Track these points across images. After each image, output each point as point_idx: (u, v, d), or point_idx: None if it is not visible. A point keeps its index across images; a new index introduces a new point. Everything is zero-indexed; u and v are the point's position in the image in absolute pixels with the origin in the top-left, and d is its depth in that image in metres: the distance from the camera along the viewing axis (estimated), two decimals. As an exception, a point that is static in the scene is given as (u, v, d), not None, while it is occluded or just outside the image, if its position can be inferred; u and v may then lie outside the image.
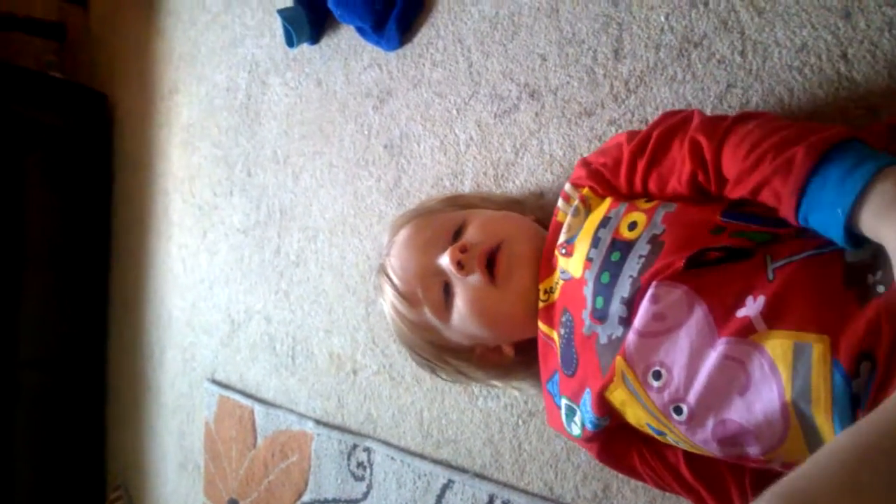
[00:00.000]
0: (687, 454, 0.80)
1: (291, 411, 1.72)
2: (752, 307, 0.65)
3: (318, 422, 1.62)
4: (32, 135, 2.83)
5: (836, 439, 0.47)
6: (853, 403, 0.59)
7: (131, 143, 2.79)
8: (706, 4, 0.91)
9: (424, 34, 1.36)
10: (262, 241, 1.87)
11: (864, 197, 0.58)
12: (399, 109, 1.41)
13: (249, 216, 1.93)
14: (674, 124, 0.78)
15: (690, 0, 0.93)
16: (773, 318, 0.64)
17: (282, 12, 1.61)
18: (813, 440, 0.63)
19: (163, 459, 2.47)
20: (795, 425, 0.63)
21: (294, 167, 1.74)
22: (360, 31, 1.48)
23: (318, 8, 1.59)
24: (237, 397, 1.94)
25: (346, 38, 1.57)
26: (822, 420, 0.61)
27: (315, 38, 1.64)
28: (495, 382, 1.10)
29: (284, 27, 1.63)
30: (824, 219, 0.61)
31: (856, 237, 0.60)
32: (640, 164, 0.81)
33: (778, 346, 0.63)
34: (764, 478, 0.76)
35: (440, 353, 1.03)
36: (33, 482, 2.85)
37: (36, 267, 2.85)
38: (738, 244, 0.70)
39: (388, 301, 1.02)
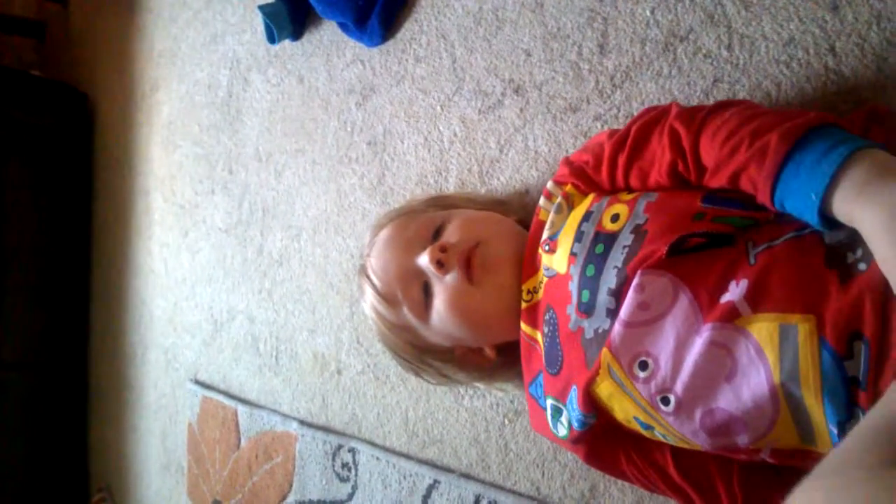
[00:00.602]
0: (675, 455, 0.79)
1: (275, 412, 1.70)
2: (735, 292, 0.65)
3: (302, 422, 1.60)
4: (12, 134, 2.80)
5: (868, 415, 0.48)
6: (847, 385, 0.59)
7: (112, 141, 2.76)
8: (692, -2, 0.90)
9: (407, 30, 1.34)
10: (245, 240, 1.85)
11: (836, 181, 0.58)
12: (382, 106, 1.40)
13: (231, 215, 1.91)
14: (652, 118, 0.78)
15: (676, -6, 0.92)
16: (757, 301, 0.64)
17: (263, 8, 1.59)
18: (802, 423, 0.63)
19: (146, 460, 2.45)
20: (784, 409, 0.63)
21: (276, 165, 1.72)
22: (343, 26, 1.47)
23: (300, 3, 1.57)
24: (220, 398, 1.92)
25: (328, 34, 1.55)
26: (812, 401, 0.60)
27: (297, 34, 1.62)
28: (478, 384, 1.10)
29: (265, 23, 1.61)
30: (799, 204, 0.61)
31: (831, 220, 0.60)
32: (621, 159, 0.81)
33: (763, 328, 0.63)
34: (752, 478, 0.76)
35: (421, 354, 1.02)
36: (17, 483, 2.83)
37: (17, 267, 2.82)
38: (719, 229, 0.70)
39: (369, 302, 1.02)
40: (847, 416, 0.59)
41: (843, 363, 0.59)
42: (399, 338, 1.01)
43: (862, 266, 0.60)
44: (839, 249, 0.63)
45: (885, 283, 0.57)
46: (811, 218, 0.60)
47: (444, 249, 0.91)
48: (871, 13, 0.75)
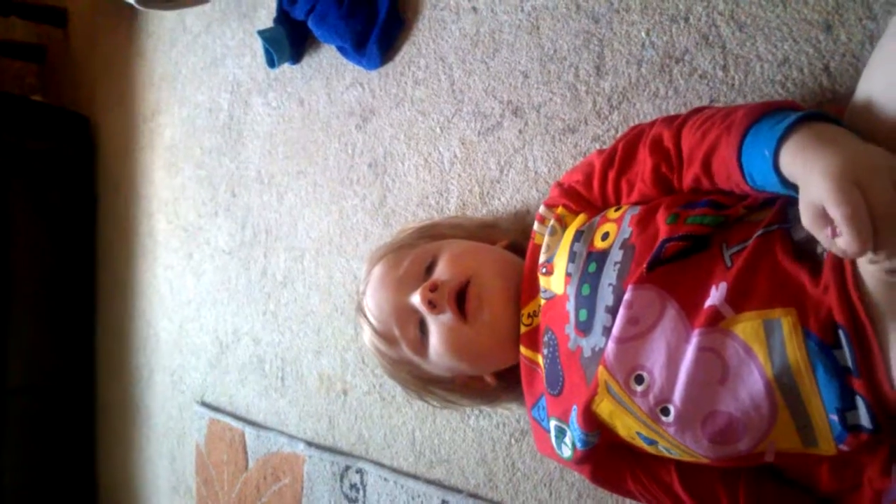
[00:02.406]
0: (680, 471, 0.80)
1: (282, 433, 1.70)
2: (715, 296, 0.67)
3: (309, 443, 1.60)
4: (15, 159, 2.80)
5: None
6: (840, 373, 0.60)
7: (115, 165, 2.77)
8: (687, 20, 0.91)
9: (406, 52, 1.35)
10: (248, 262, 1.85)
11: (784, 140, 0.60)
12: (382, 128, 1.41)
13: (234, 237, 1.92)
14: (638, 132, 0.81)
15: (671, 15, 0.93)
16: (738, 302, 0.66)
17: (262, 33, 1.60)
18: (801, 417, 0.64)
19: (155, 483, 2.44)
20: (782, 404, 0.64)
21: (278, 187, 1.73)
22: (342, 50, 1.48)
23: (299, 28, 1.58)
24: (227, 420, 1.92)
25: (327, 58, 1.56)
26: (808, 392, 0.62)
27: (296, 58, 1.64)
28: (482, 407, 1.11)
29: (265, 47, 1.62)
30: (758, 167, 0.63)
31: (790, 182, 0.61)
32: (611, 174, 0.84)
33: (748, 327, 0.64)
34: (756, 493, 0.76)
35: (425, 384, 1.04)
36: (25, 508, 2.82)
37: (22, 292, 2.81)
38: (694, 230, 0.71)
39: (368, 340, 1.03)
40: (846, 404, 0.61)
41: (832, 352, 0.61)
42: (401, 371, 1.03)
43: (825, 255, 0.63)
44: (807, 244, 0.65)
45: (841, 264, 0.60)
46: (770, 178, 0.61)
47: (434, 288, 0.92)
48: (865, 33, 0.76)
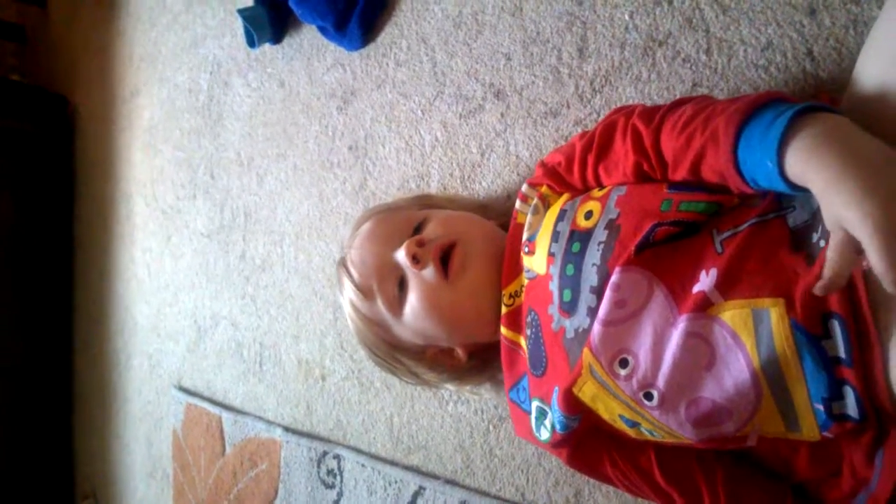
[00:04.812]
0: (659, 458, 0.79)
1: (260, 418, 1.69)
2: (705, 281, 0.66)
3: (287, 429, 1.59)
4: (-8, 139, 2.77)
5: None
6: (829, 364, 0.60)
7: (93, 146, 2.73)
8: (670, 2, 0.90)
9: (388, 34, 1.33)
10: (227, 246, 1.83)
11: (785, 145, 0.58)
12: (363, 110, 1.39)
13: (213, 220, 1.89)
14: (615, 118, 0.79)
15: (655, -2, 0.92)
16: (727, 288, 0.65)
17: (242, 12, 1.58)
18: (784, 404, 0.64)
19: (132, 468, 2.43)
20: (766, 392, 0.63)
21: (258, 169, 1.71)
22: (323, 30, 1.46)
23: (280, 7, 1.56)
24: (204, 405, 1.90)
25: (308, 38, 1.54)
26: (794, 382, 0.62)
27: (277, 38, 1.61)
28: (448, 386, 1.10)
29: (245, 27, 1.59)
30: (764, 175, 0.61)
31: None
32: (590, 159, 0.83)
33: (737, 315, 0.64)
34: (735, 479, 0.76)
35: (393, 351, 1.02)
36: (1, 492, 2.79)
37: (-4, 273, 2.79)
38: (686, 217, 0.70)
39: (346, 294, 1.02)
40: (833, 394, 0.60)
41: (821, 342, 0.60)
42: (372, 332, 1.01)
43: (822, 243, 0.61)
44: (804, 231, 0.64)
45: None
46: (779, 184, 0.60)
47: (421, 244, 0.91)
48: (848, 17, 0.75)
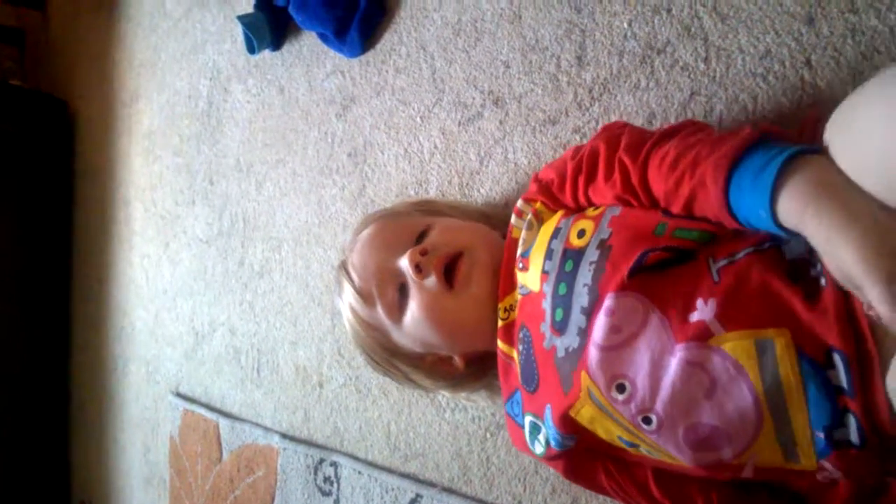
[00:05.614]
0: (656, 471, 0.79)
1: (257, 425, 1.69)
2: (704, 311, 0.65)
3: (284, 436, 1.59)
4: (-9, 144, 2.77)
5: None
6: (832, 393, 0.59)
7: (92, 151, 2.74)
8: (669, 11, 0.90)
9: (387, 41, 1.34)
10: (226, 252, 1.83)
11: (776, 196, 0.58)
12: (362, 117, 1.39)
13: (212, 226, 1.89)
14: (599, 146, 0.79)
15: (654, 6, 0.92)
16: (728, 320, 0.64)
17: (242, 18, 1.58)
18: (784, 433, 0.63)
19: (128, 474, 2.42)
20: (768, 419, 0.63)
21: (257, 176, 1.71)
22: (322, 37, 1.46)
23: (279, 14, 1.56)
24: (202, 411, 1.90)
25: (308, 45, 1.54)
26: (796, 410, 0.61)
27: (276, 45, 1.61)
28: (444, 392, 1.09)
29: (245, 33, 1.60)
30: (757, 221, 0.61)
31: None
32: (581, 180, 0.82)
33: (739, 346, 0.63)
34: (731, 497, 0.75)
35: (390, 356, 1.02)
36: (-3, 498, 2.79)
37: (-5, 279, 2.79)
38: (680, 244, 0.70)
39: (345, 298, 1.01)
40: (835, 423, 0.60)
41: (825, 372, 0.59)
42: (371, 337, 1.01)
43: (823, 281, 0.61)
44: (801, 264, 0.64)
45: (847, 295, 0.58)
46: (774, 230, 0.60)
47: (424, 253, 0.91)
48: (846, 26, 0.75)
